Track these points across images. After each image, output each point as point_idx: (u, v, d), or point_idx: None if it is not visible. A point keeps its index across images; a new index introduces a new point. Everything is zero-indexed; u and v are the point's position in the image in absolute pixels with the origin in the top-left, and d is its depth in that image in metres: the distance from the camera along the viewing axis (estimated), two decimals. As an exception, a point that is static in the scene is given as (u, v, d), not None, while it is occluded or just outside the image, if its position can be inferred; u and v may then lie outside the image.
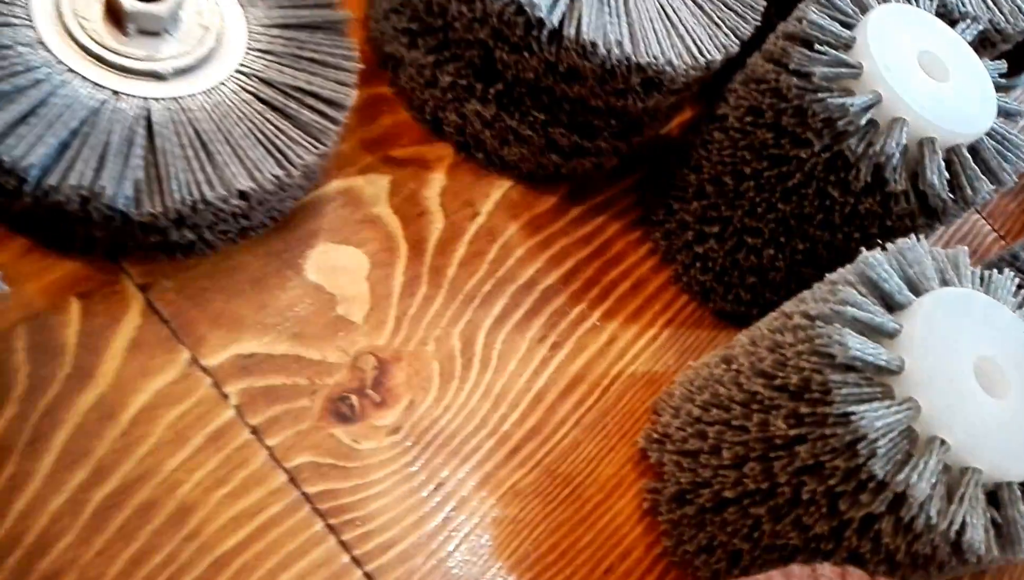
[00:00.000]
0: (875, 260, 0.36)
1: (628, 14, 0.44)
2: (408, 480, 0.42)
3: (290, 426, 0.41)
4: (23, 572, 0.35)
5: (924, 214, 0.43)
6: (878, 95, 0.40)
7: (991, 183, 0.42)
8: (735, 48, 0.47)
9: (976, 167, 0.42)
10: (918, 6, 0.45)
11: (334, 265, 0.46)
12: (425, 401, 0.44)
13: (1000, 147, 0.43)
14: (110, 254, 0.41)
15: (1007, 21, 0.51)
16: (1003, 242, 0.70)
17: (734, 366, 0.41)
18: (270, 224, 0.45)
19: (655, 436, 0.46)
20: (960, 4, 0.48)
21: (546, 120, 0.48)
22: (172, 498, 0.38)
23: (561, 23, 0.42)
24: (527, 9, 0.41)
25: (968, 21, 0.45)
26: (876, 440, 0.32)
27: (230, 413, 0.40)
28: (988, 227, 0.71)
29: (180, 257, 0.42)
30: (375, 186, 0.49)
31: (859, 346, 0.33)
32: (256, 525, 0.38)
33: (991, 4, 0.50)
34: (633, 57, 0.43)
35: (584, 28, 0.42)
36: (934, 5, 0.46)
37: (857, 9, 0.43)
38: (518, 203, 0.53)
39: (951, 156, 0.42)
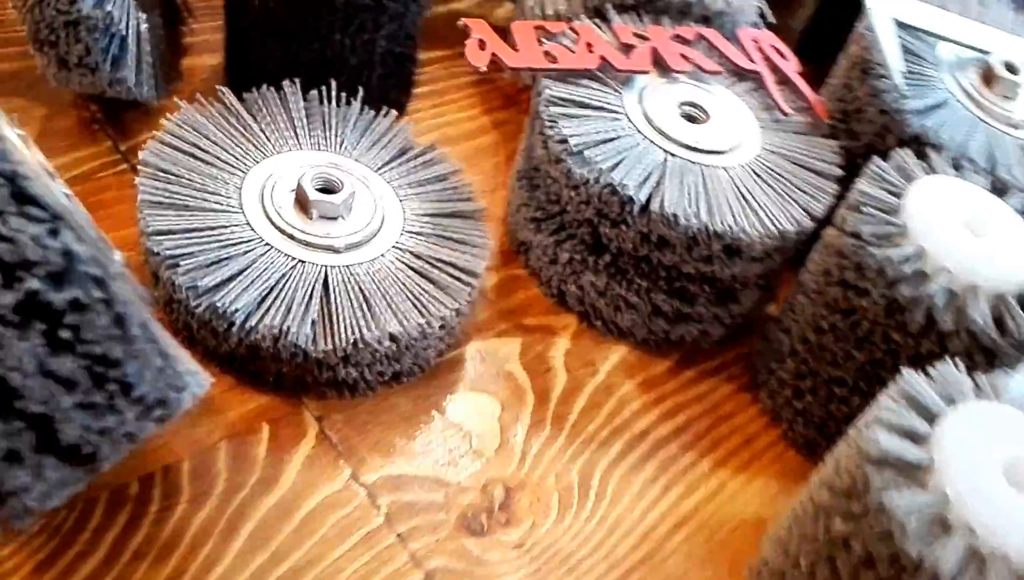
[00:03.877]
0: (911, 377, 0.42)
1: (706, 192, 0.54)
2: (527, 588, 0.49)
3: (429, 534, 0.49)
4: (212, 627, 0.44)
5: (981, 353, 0.48)
6: (921, 248, 0.48)
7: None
8: (807, 222, 0.55)
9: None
10: (965, 179, 0.52)
11: (471, 409, 0.56)
12: (545, 524, 0.52)
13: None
14: (294, 391, 0.53)
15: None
16: None
17: (808, 486, 0.46)
18: (418, 373, 0.55)
19: (756, 567, 0.51)
20: (1013, 178, 0.55)
21: (648, 287, 0.57)
22: (334, 581, 0.47)
23: (648, 200, 0.52)
24: (619, 190, 0.52)
25: (1017, 192, 0.52)
26: (908, 524, 0.37)
27: (380, 519, 0.49)
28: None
29: (348, 396, 0.53)
30: (508, 347, 0.59)
31: (888, 442, 0.39)
32: (395, 609, 0.46)
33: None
34: (710, 225, 0.52)
35: (667, 203, 0.52)
36: (988, 182, 0.53)
37: (903, 180, 0.51)
38: (635, 365, 0.61)
39: (997, 303, 0.47)
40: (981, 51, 0.62)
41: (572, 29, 0.57)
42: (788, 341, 0.57)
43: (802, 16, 0.83)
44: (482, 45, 0.54)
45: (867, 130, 0.61)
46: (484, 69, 0.54)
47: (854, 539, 0.40)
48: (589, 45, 0.57)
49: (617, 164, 0.53)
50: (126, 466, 0.48)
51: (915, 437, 0.40)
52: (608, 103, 0.57)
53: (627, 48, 0.59)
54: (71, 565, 0.44)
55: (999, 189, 0.54)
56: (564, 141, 0.54)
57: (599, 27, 0.59)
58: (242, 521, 0.47)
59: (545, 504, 0.52)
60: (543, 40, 0.56)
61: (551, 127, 0.54)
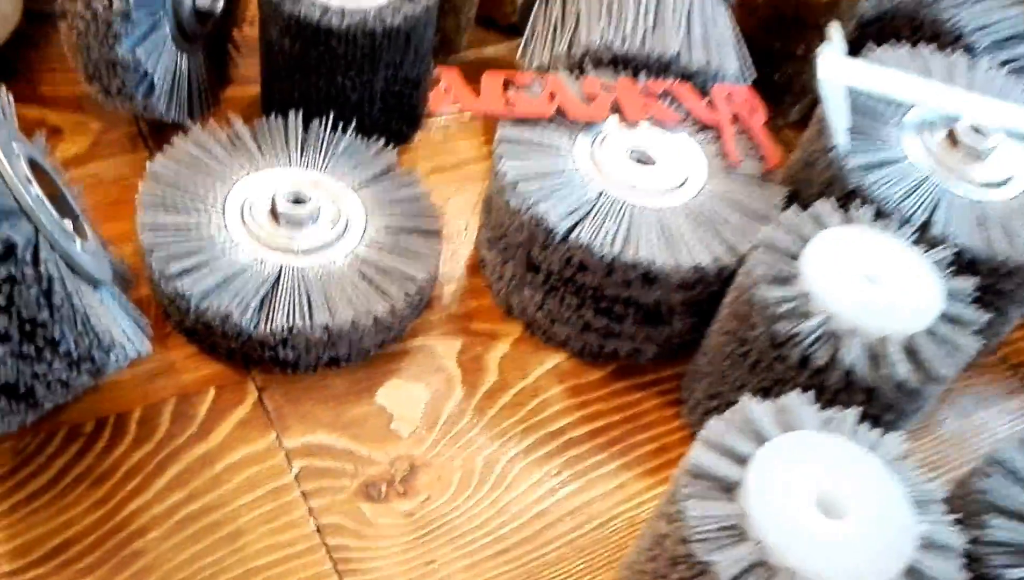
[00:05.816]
0: (750, 404, 0.45)
1: (630, 227, 0.59)
2: (407, 551, 0.54)
3: (330, 495, 0.56)
4: (120, 547, 0.51)
5: (861, 391, 0.51)
6: (805, 291, 0.51)
7: (927, 373, 0.50)
8: (729, 259, 0.59)
9: (902, 357, 0.50)
10: (886, 232, 0.56)
11: (400, 395, 0.61)
12: (439, 499, 0.57)
13: (936, 344, 0.51)
14: (244, 363, 0.60)
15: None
16: None
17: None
18: (358, 360, 0.61)
19: (625, 563, 0.55)
20: (947, 234, 0.58)
21: (578, 303, 0.62)
22: (233, 523, 0.53)
23: (570, 231, 0.58)
24: (544, 221, 0.58)
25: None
26: (699, 530, 0.41)
27: (289, 478, 0.56)
28: None
29: (290, 373, 0.60)
30: (449, 346, 0.65)
31: (703, 457, 0.43)
32: (284, 554, 0.53)
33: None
34: (622, 255, 0.57)
35: (585, 235, 0.58)
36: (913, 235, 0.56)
37: (815, 227, 0.55)
38: (567, 373, 0.65)
39: (878, 345, 0.50)
40: (951, 114, 0.64)
41: (543, 80, 0.64)
42: (705, 363, 0.61)
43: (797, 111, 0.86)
44: (448, 92, 0.61)
45: (818, 181, 0.64)
46: (444, 113, 0.61)
47: (668, 539, 0.44)
48: (552, 95, 0.63)
49: (545, 197, 0.59)
50: (87, 409, 0.56)
51: (736, 457, 0.44)
52: (556, 144, 0.63)
53: (591, 99, 0.64)
54: (25, 479, 0.53)
55: (931, 242, 0.57)
56: (505, 175, 0.60)
57: (577, 79, 0.65)
58: (170, 464, 0.55)
59: (444, 483, 0.58)
60: (510, 89, 0.63)
61: (497, 162, 0.61)
